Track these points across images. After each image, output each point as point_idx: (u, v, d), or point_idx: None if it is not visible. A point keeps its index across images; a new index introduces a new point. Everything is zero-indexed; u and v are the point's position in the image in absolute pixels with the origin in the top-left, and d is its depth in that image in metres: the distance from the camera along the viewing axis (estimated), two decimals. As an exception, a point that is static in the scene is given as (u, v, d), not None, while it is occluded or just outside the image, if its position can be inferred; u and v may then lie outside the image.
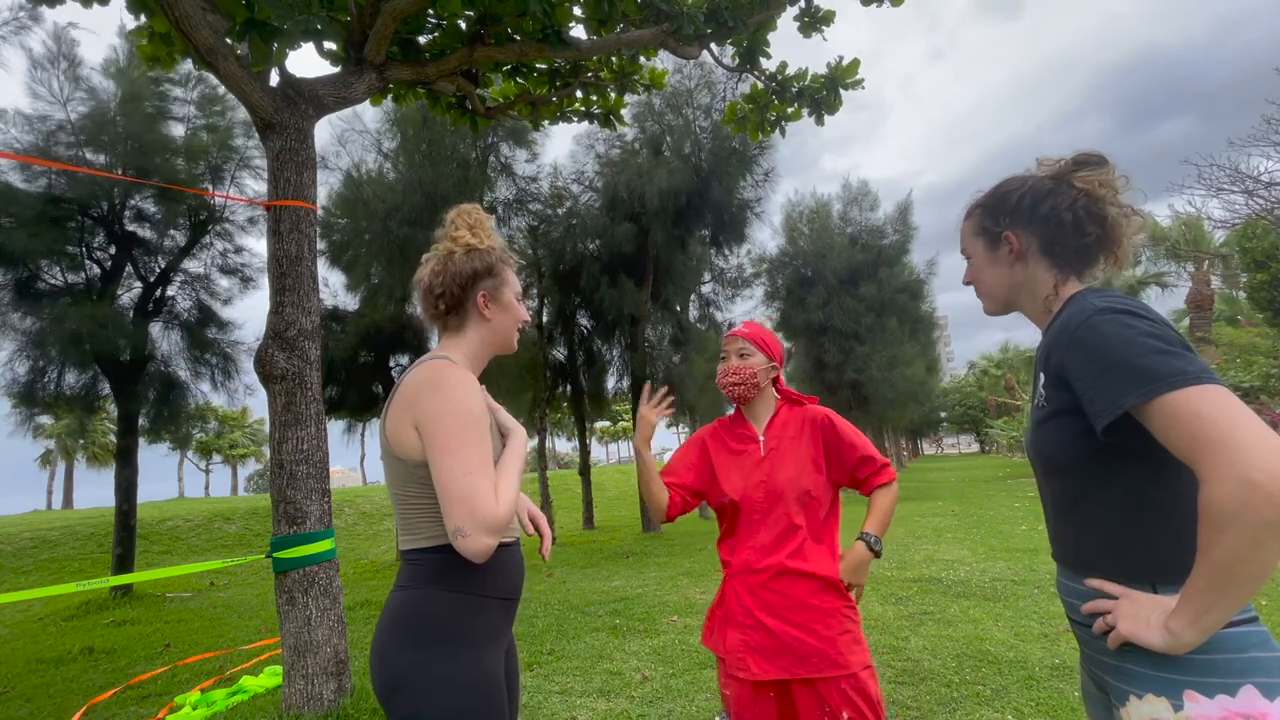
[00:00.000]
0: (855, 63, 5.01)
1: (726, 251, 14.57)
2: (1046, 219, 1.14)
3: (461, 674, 1.22)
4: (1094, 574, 1.08)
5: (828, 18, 4.71)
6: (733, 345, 1.95)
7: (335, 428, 12.44)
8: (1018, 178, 1.20)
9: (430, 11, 4.27)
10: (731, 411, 2.07)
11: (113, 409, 10.41)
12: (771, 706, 1.76)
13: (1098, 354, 0.98)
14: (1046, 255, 1.16)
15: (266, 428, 8.31)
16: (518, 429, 1.44)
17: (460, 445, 1.21)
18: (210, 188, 9.87)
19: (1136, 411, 0.94)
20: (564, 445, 70.18)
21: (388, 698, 1.23)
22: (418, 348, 12.00)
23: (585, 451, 14.91)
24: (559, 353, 13.91)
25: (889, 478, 1.91)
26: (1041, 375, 1.13)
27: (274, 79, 3.92)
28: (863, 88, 5.12)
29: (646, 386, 2.00)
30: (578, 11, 4.45)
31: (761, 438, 1.93)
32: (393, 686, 1.22)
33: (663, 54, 5.25)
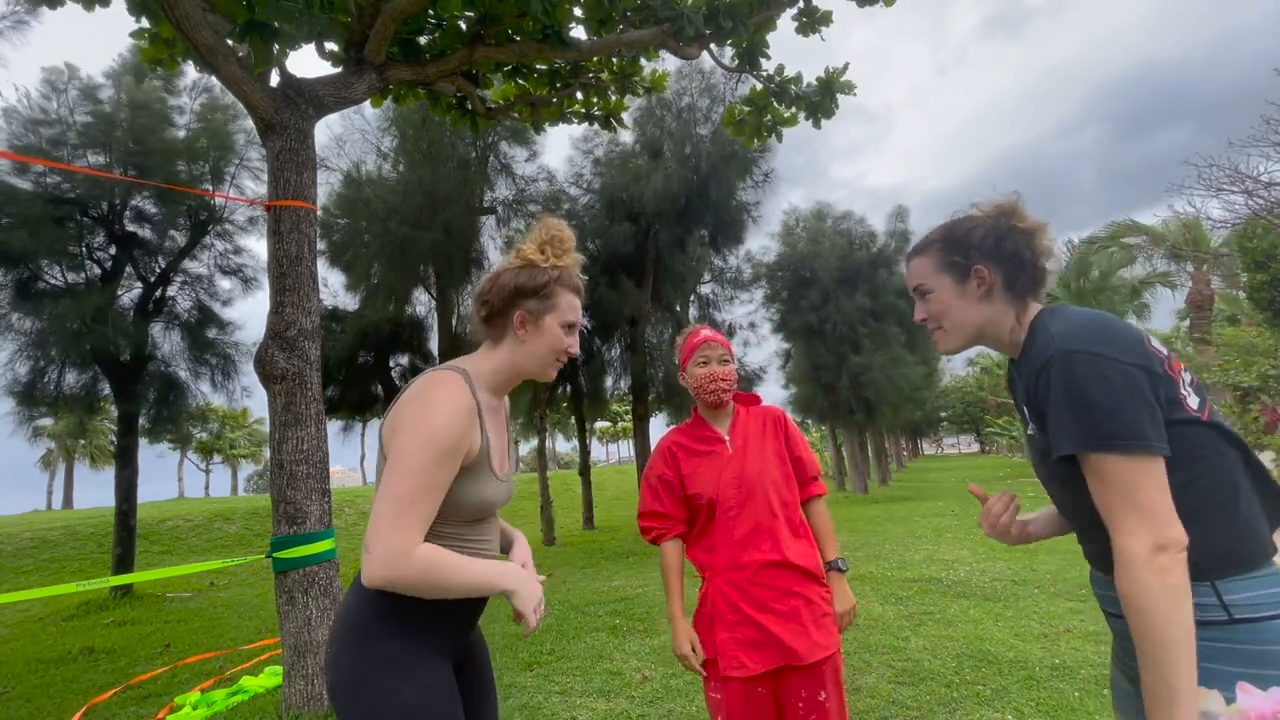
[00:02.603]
0: (847, 75, 5.09)
1: (726, 252, 14.57)
2: (1011, 256, 1.19)
3: (402, 685, 1.20)
4: None
5: (825, 18, 4.71)
6: (714, 351, 1.98)
7: (333, 428, 12.44)
8: (972, 217, 1.24)
9: (430, 12, 4.27)
10: (691, 417, 2.10)
11: (113, 409, 10.41)
12: (768, 701, 1.80)
13: (1054, 396, 1.05)
14: (1009, 289, 1.21)
15: (266, 428, 8.32)
16: (511, 569, 1.31)
17: (407, 468, 1.17)
18: (211, 188, 9.88)
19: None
20: (564, 445, 70.22)
21: (336, 701, 1.22)
22: (417, 347, 12.00)
23: (585, 451, 14.91)
24: (559, 353, 13.89)
25: (822, 490, 2.03)
26: (1027, 410, 1.16)
27: (274, 79, 3.92)
28: (854, 93, 5.15)
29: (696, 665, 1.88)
30: (578, 12, 4.45)
31: (727, 437, 1.98)
32: (338, 691, 1.22)
33: (663, 55, 5.26)
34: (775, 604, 1.82)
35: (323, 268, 11.20)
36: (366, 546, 1.16)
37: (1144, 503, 0.96)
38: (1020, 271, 1.19)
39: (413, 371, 11.94)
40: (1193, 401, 1.04)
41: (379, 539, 1.14)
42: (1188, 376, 1.08)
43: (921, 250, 1.28)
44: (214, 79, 5.40)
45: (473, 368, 1.35)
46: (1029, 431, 1.19)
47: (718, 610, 1.86)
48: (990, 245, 1.20)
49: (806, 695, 1.77)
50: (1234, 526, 1.00)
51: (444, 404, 1.22)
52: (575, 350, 1.43)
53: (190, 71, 8.74)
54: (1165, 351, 1.08)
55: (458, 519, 1.29)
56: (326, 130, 25.11)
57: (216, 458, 52.14)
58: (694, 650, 1.86)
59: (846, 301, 17.86)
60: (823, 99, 5.16)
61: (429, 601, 1.23)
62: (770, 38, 4.95)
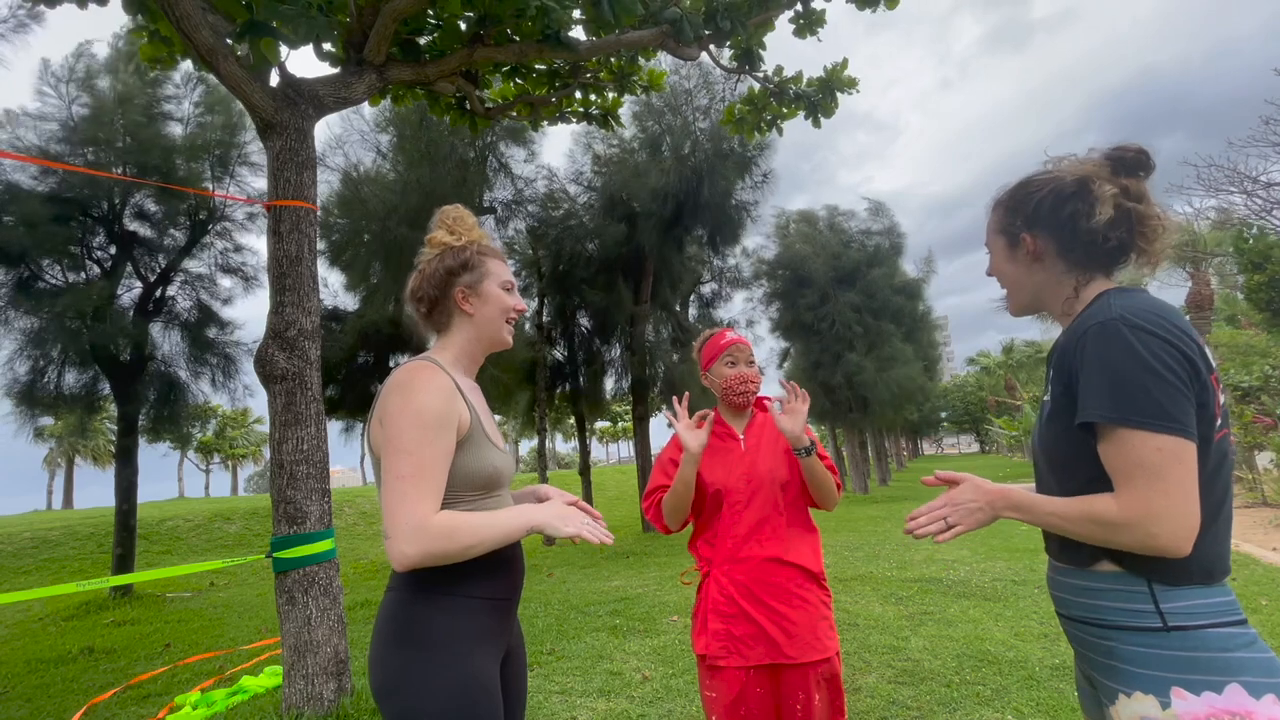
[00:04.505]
0: (847, 72, 5.09)
1: (725, 252, 14.58)
2: (1066, 223, 1.12)
3: (445, 676, 1.20)
4: (1084, 569, 1.10)
5: (820, 19, 4.73)
6: (742, 354, 2.01)
7: (333, 428, 12.43)
8: (1043, 176, 1.17)
9: (430, 12, 4.27)
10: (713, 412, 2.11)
11: (113, 409, 10.40)
12: (766, 702, 1.79)
13: (1096, 361, 1.02)
14: (1064, 258, 1.15)
15: (266, 428, 8.29)
16: (534, 506, 1.33)
17: (402, 448, 1.19)
18: (211, 187, 9.87)
19: (1099, 424, 1.01)
20: (564, 446, 70.25)
21: (380, 699, 1.24)
22: (417, 348, 11.97)
23: (585, 452, 14.90)
24: (558, 353, 13.91)
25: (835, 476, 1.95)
26: (1052, 372, 1.13)
27: (274, 79, 3.92)
28: (856, 90, 5.15)
29: (681, 405, 1.91)
30: (578, 14, 4.46)
31: (741, 436, 2.01)
32: (382, 688, 1.23)
33: (662, 54, 5.26)
34: (772, 600, 1.81)
35: (323, 267, 11.20)
36: (386, 534, 1.17)
37: (1170, 482, 0.95)
38: (1079, 241, 1.12)
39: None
40: (1218, 420, 1.04)
41: (394, 521, 1.16)
42: (1222, 398, 1.07)
43: (991, 208, 1.26)
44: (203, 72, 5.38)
45: (437, 356, 1.39)
46: (1045, 397, 1.16)
47: (714, 601, 1.86)
48: (1046, 210, 1.14)
49: (804, 698, 1.77)
50: (1208, 538, 1.00)
51: (423, 384, 1.25)
52: (522, 306, 1.48)
53: (183, 65, 8.72)
54: (1215, 364, 1.05)
55: (473, 492, 1.31)
56: (325, 130, 25.14)
57: (216, 458, 52.15)
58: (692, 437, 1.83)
59: (844, 301, 17.89)
60: (823, 97, 5.17)
61: (466, 578, 1.25)
62: (775, 44, 4.98)
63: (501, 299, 1.44)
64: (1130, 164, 1.10)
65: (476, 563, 1.26)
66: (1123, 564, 1.04)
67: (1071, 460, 1.09)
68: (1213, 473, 1.02)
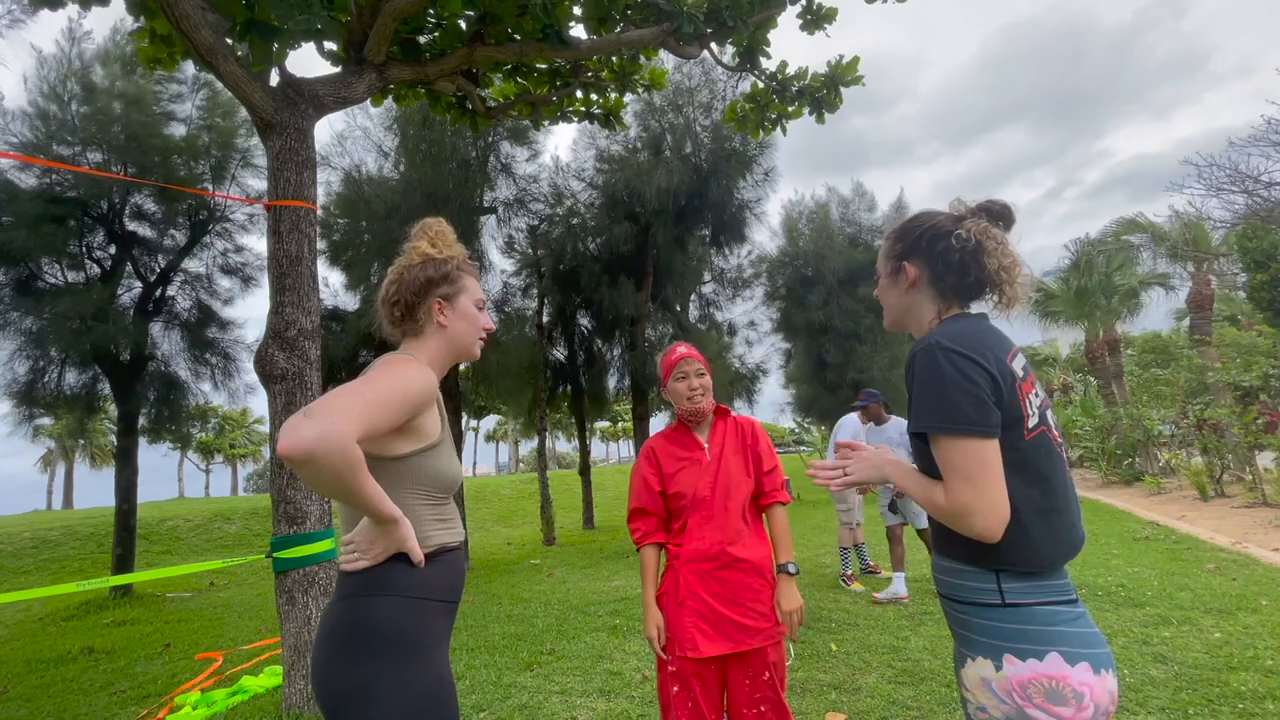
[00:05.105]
0: (855, 60, 5.03)
1: (726, 251, 14.57)
2: (938, 256, 1.31)
3: (414, 679, 1.24)
4: (951, 558, 1.27)
5: (830, 15, 4.72)
6: (691, 366, 2.18)
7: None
8: (928, 214, 1.36)
9: (430, 11, 4.27)
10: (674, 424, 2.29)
11: (113, 409, 10.40)
12: (714, 682, 2.01)
13: (917, 378, 1.22)
14: (933, 286, 1.34)
15: (266, 428, 8.27)
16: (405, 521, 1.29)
17: (375, 383, 1.21)
18: (211, 188, 9.87)
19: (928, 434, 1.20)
20: (564, 445, 70.21)
21: (337, 711, 1.21)
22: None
23: (585, 451, 14.90)
24: (559, 353, 13.90)
25: (786, 499, 2.20)
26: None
27: (274, 79, 3.92)
28: (863, 84, 5.12)
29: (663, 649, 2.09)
30: (577, 11, 4.45)
31: (706, 445, 2.18)
32: (346, 700, 1.21)
33: (663, 53, 5.26)
34: (731, 594, 2.01)
35: (323, 267, 11.20)
36: (307, 412, 1.09)
37: (977, 480, 1.13)
38: (948, 273, 1.30)
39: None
40: (1031, 421, 1.20)
41: (329, 414, 1.09)
42: (1036, 399, 1.23)
43: (885, 236, 1.44)
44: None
45: (415, 355, 1.43)
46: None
47: (681, 596, 2.05)
48: (924, 245, 1.32)
49: (752, 675, 1.99)
50: (1036, 531, 1.16)
51: (417, 370, 1.31)
52: (491, 326, 1.54)
53: (190, 68, 8.68)
54: (1022, 373, 1.22)
55: (439, 492, 1.37)
56: (328, 129, 25.16)
57: (216, 458, 52.18)
58: (659, 634, 2.06)
59: (849, 300, 17.86)
60: (827, 93, 5.14)
61: (424, 582, 1.30)
62: (783, 38, 4.98)
63: (476, 316, 1.50)
64: (996, 214, 1.30)
65: (433, 565, 1.32)
66: (974, 555, 1.20)
67: (924, 465, 1.27)
68: (1032, 472, 1.17)
